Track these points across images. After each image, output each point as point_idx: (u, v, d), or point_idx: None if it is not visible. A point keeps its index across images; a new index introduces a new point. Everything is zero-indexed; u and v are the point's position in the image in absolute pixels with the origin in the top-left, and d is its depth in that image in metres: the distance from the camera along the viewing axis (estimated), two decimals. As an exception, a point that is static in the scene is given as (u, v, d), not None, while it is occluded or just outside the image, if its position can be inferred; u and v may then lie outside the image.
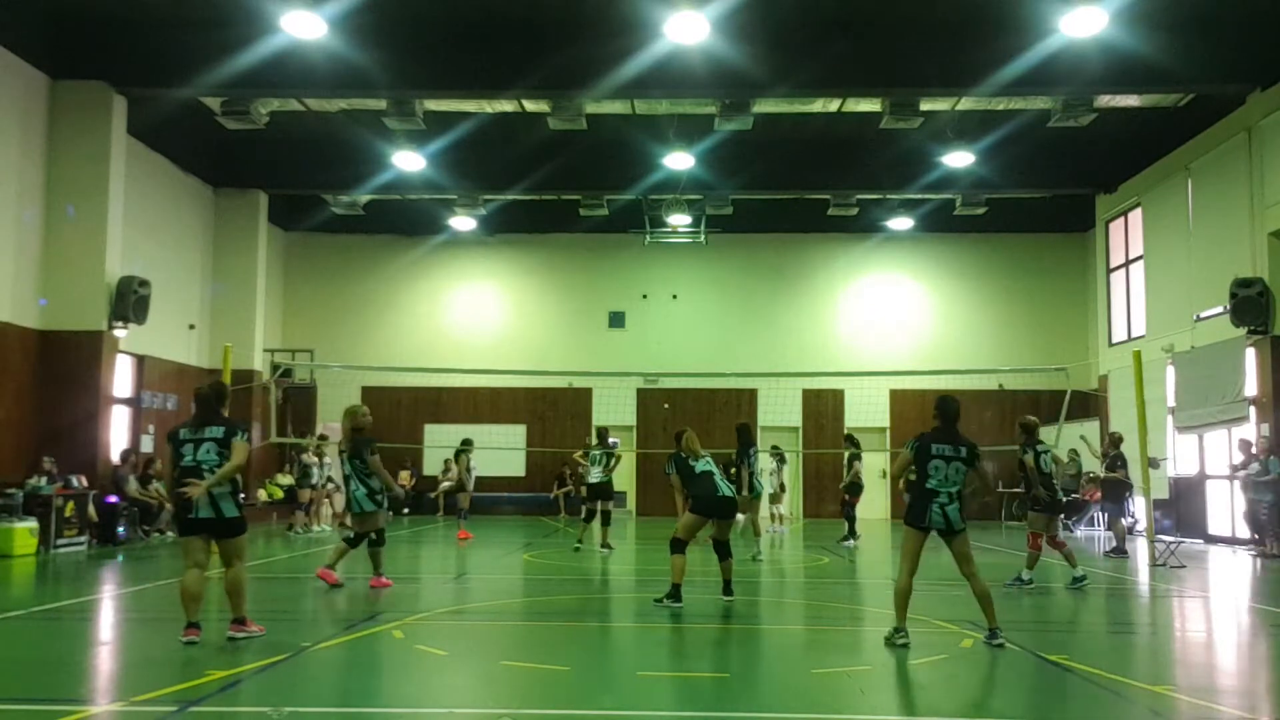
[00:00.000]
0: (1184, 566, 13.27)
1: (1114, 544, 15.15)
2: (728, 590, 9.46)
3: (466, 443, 18.06)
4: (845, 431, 19.28)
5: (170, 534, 16.31)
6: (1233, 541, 17.11)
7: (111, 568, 12.60)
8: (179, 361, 20.28)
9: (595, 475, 15.04)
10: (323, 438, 20.70)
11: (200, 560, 7.10)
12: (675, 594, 8.99)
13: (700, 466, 9.48)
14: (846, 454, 17.62)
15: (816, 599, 10.57)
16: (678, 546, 9.20)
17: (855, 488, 17.03)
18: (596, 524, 15.15)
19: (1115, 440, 15.80)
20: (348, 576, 10.58)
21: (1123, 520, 15.79)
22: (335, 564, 10.28)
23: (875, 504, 25.10)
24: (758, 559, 13.37)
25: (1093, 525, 20.60)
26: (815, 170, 21.65)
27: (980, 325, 25.46)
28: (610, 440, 24.51)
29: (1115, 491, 15.84)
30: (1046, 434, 21.78)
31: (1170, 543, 14.59)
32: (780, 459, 19.68)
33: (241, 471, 7.26)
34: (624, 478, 24.81)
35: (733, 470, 13.37)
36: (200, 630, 6.95)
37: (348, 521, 11.10)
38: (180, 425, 7.34)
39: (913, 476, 7.49)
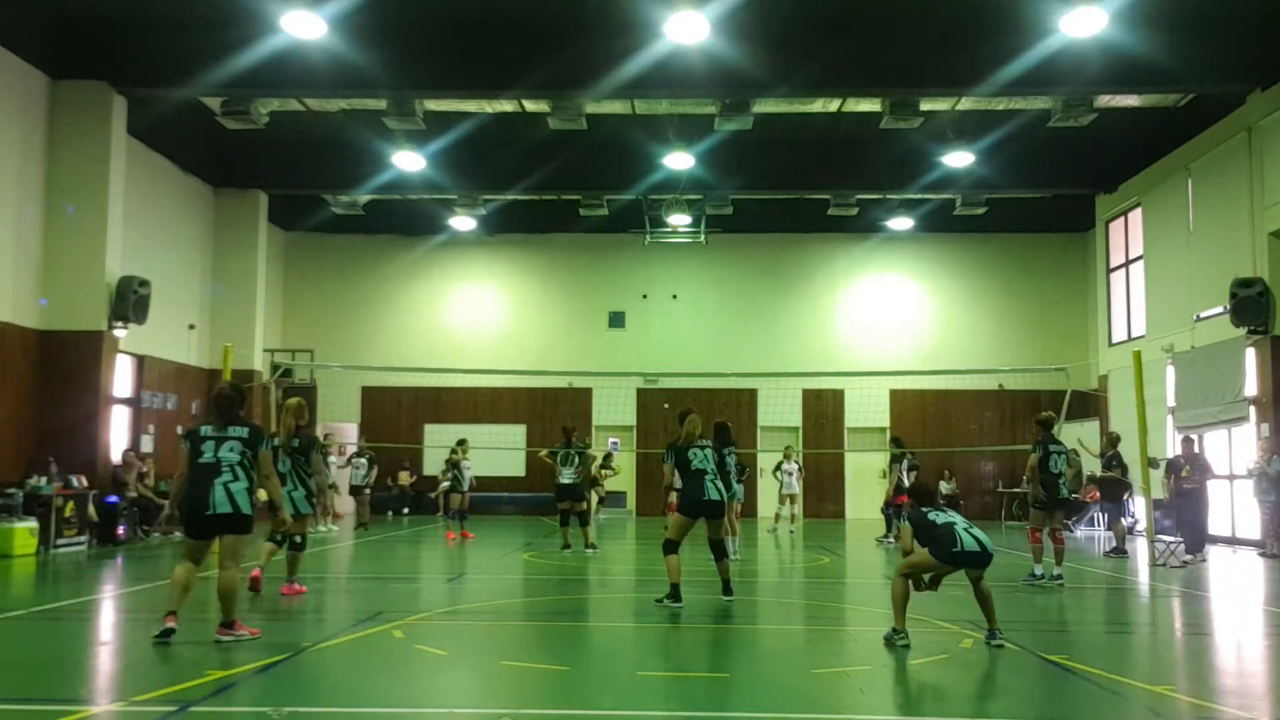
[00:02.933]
0: (1183, 566, 13.28)
1: (1114, 544, 15.14)
2: (727, 590, 9.44)
3: (460, 443, 18.01)
4: (891, 434, 19.12)
5: (157, 534, 16.22)
6: (1233, 541, 17.12)
7: (111, 568, 12.60)
8: (179, 361, 20.28)
9: (568, 476, 14.89)
10: (328, 437, 20.74)
11: (197, 558, 7.17)
12: (675, 594, 8.99)
13: (696, 463, 9.35)
14: (890, 455, 17.54)
15: (816, 599, 10.58)
16: (670, 548, 9.17)
17: (901, 489, 17.11)
18: (590, 522, 15.12)
19: (1113, 440, 15.79)
20: (358, 576, 10.56)
21: (1123, 520, 15.78)
22: (294, 574, 9.85)
23: (876, 503, 25.07)
24: (732, 558, 13.14)
25: (1093, 525, 20.60)
26: (815, 170, 21.65)
27: (980, 325, 25.46)
28: (611, 441, 24.62)
29: (1114, 491, 15.84)
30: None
31: (1171, 542, 14.58)
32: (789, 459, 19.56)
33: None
34: (624, 478, 24.85)
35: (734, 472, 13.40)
36: (177, 619, 6.98)
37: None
38: (201, 424, 7.36)
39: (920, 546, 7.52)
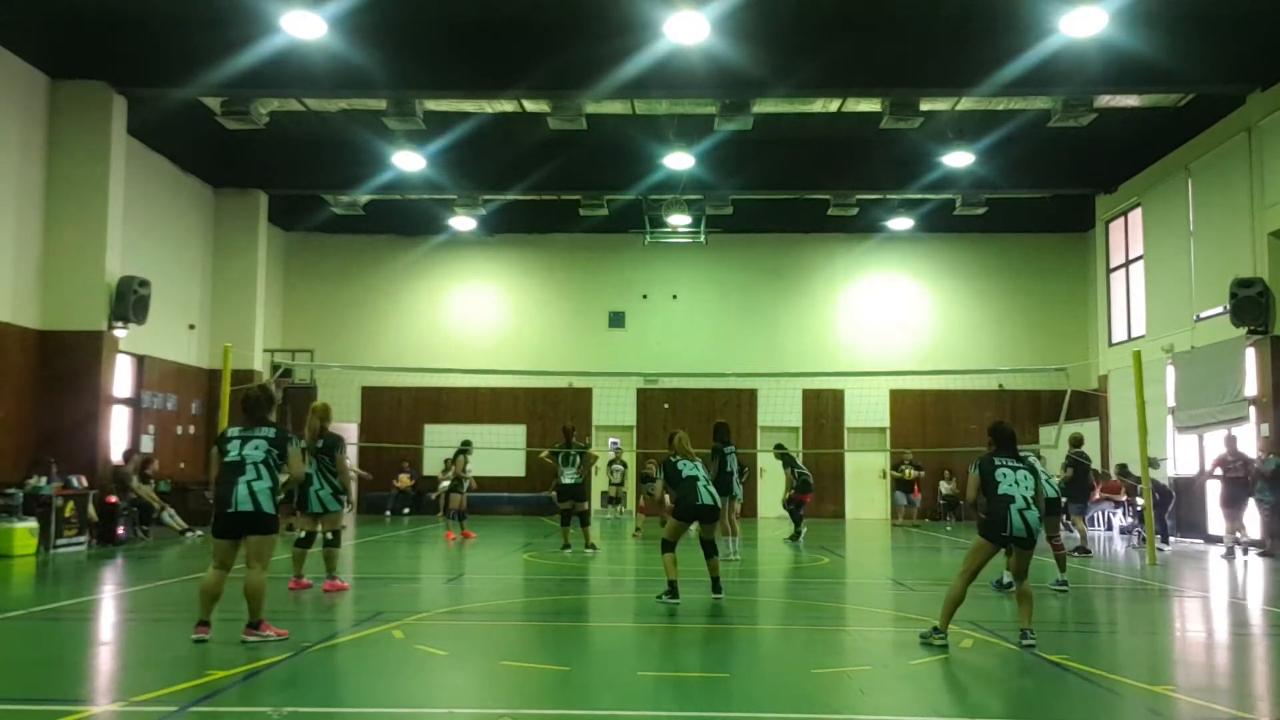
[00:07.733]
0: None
1: (1077, 543, 15.06)
2: (716, 588, 9.57)
3: (466, 444, 18.00)
4: (776, 442, 19.72)
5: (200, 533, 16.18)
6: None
7: (111, 568, 12.60)
8: (179, 361, 20.28)
9: (570, 476, 14.83)
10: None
11: (226, 563, 7.13)
12: (672, 590, 9.26)
13: (686, 471, 9.66)
14: (779, 458, 17.85)
15: (816, 599, 10.57)
16: (666, 547, 9.50)
17: (806, 487, 17.13)
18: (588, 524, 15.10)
19: (1075, 441, 15.61)
20: (358, 576, 10.56)
21: (1082, 519, 15.76)
22: (301, 572, 10.10)
23: (875, 504, 25.15)
24: (731, 558, 13.17)
25: (1093, 525, 20.56)
26: (815, 170, 21.66)
27: (980, 325, 25.47)
28: (611, 441, 24.61)
29: (1078, 491, 15.61)
30: (1046, 434, 21.79)
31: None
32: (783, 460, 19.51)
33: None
34: (625, 479, 24.82)
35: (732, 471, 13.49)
36: (210, 629, 7.01)
37: (294, 525, 10.87)
38: (230, 427, 7.49)
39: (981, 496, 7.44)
